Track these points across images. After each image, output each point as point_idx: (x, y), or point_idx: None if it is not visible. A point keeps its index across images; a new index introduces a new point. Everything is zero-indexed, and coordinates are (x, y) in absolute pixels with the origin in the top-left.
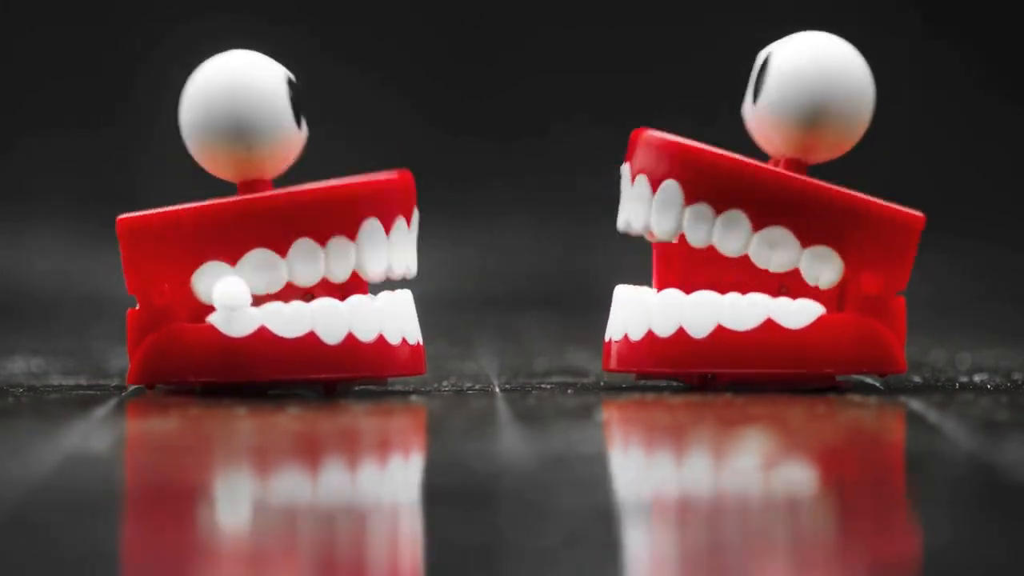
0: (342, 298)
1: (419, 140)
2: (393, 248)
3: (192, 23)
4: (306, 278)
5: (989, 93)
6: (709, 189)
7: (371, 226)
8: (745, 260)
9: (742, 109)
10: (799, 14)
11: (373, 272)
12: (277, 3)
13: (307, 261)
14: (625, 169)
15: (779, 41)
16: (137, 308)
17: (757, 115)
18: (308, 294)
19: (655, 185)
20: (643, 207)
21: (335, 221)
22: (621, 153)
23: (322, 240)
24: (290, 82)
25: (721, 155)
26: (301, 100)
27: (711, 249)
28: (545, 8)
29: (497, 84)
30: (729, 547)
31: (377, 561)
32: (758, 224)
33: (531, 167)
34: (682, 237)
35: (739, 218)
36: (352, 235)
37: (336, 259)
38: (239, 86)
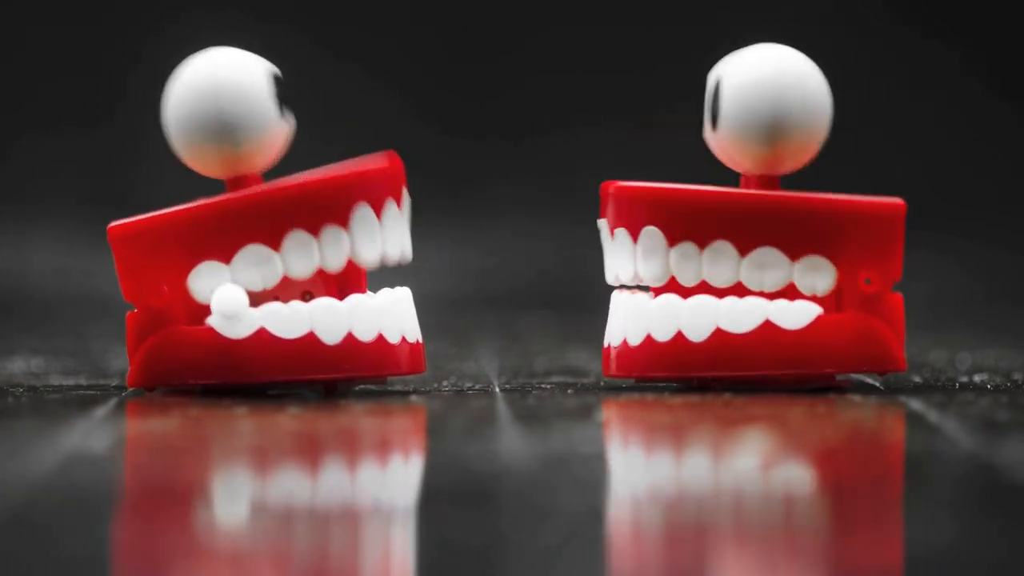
0: (341, 297)
1: (419, 141)
2: (386, 233)
3: (191, 22)
4: (301, 270)
5: (989, 93)
6: (689, 228)
7: (363, 212)
8: (739, 284)
9: (703, 135)
10: (799, 13)
11: (368, 259)
12: (275, 2)
13: (301, 253)
14: (603, 224)
15: (724, 61)
16: (136, 311)
17: (719, 139)
18: (307, 293)
19: (635, 235)
20: (627, 258)
21: (326, 210)
22: (620, 153)
23: (315, 230)
24: (273, 76)
25: (694, 191)
26: (285, 92)
27: (705, 283)
28: (545, 8)
29: (497, 84)
30: (728, 547)
31: (377, 561)
32: (744, 250)
33: (531, 167)
34: (672, 279)
35: (724, 248)
36: (344, 223)
37: (330, 248)
38: (221, 84)
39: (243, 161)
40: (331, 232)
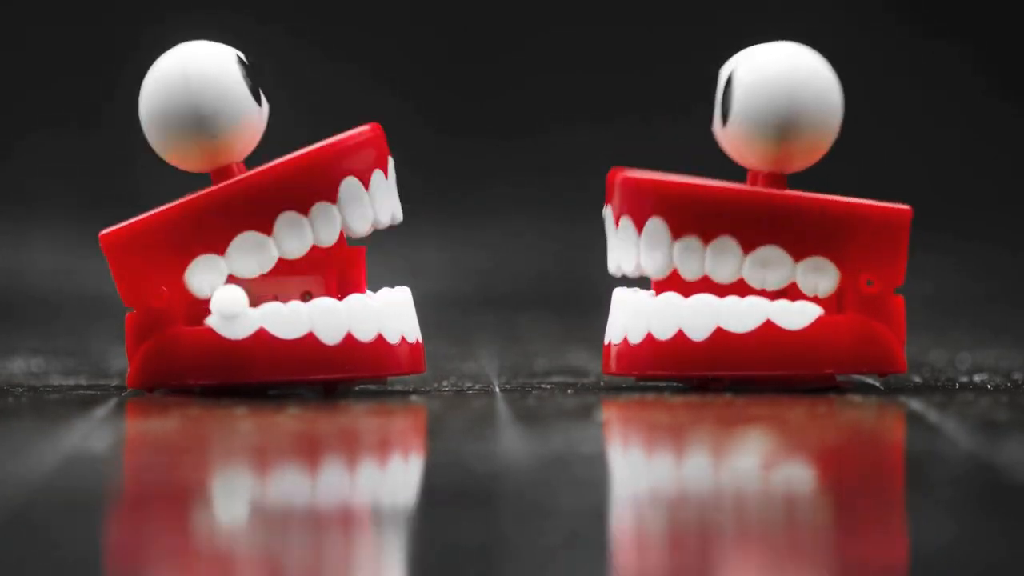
0: (340, 298)
1: (419, 140)
2: (375, 200)
3: (190, 23)
4: (295, 250)
5: (989, 93)
6: (694, 221)
7: (350, 184)
8: (741, 282)
9: (712, 129)
10: (799, 14)
11: (359, 229)
12: (275, 2)
13: (293, 233)
14: (608, 212)
15: (738, 56)
16: (135, 312)
17: (728, 134)
18: (307, 293)
19: (640, 225)
20: (631, 248)
21: (314, 188)
22: (620, 153)
23: (304, 209)
24: (240, 61)
25: (701, 186)
26: (255, 76)
27: (706, 279)
28: (545, 8)
29: (497, 84)
30: (729, 547)
31: (377, 562)
32: (748, 247)
33: (531, 167)
34: (675, 272)
35: (728, 244)
36: (332, 198)
37: (322, 224)
38: (191, 76)
39: (222, 151)
40: (321, 208)
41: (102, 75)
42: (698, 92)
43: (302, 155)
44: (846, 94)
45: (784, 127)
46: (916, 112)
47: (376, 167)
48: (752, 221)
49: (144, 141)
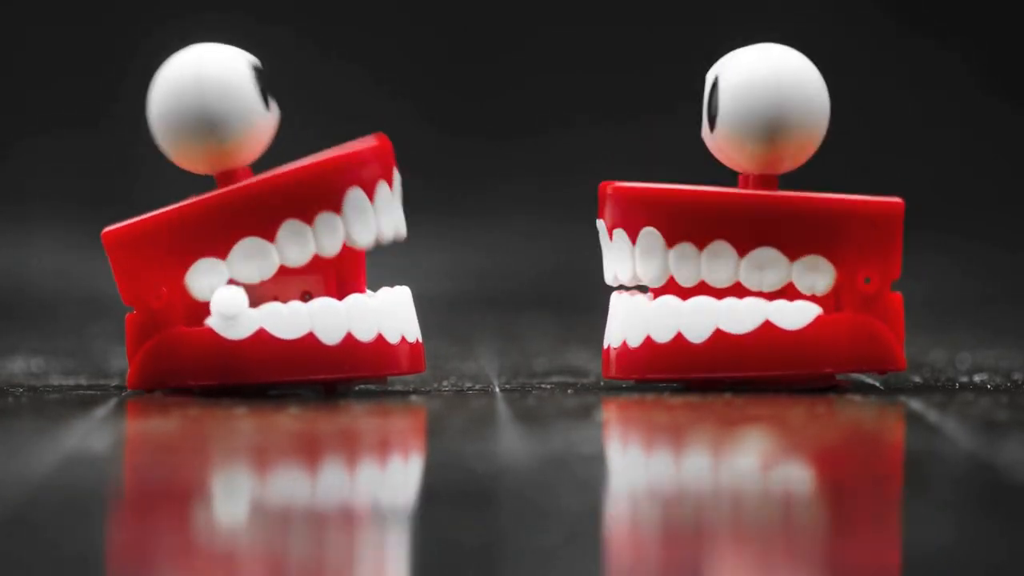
0: (340, 297)
1: (419, 140)
2: (380, 213)
3: (189, 22)
4: (297, 258)
5: (989, 93)
6: (687, 228)
7: (355, 196)
8: (738, 284)
9: (701, 135)
10: (798, 14)
11: (362, 241)
12: (275, 2)
13: (296, 241)
14: (601, 225)
15: (722, 60)
16: (135, 313)
17: (717, 139)
18: (306, 293)
19: (633, 236)
20: (626, 259)
21: (318, 197)
22: (621, 153)
23: (308, 218)
24: (254, 67)
25: (692, 192)
26: (267, 82)
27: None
28: (545, 8)
29: (497, 84)
30: (728, 547)
31: (377, 562)
32: (743, 250)
33: (531, 167)
34: (671, 279)
35: (723, 248)
36: (337, 208)
37: (325, 234)
38: (204, 80)
39: (230, 155)
40: (325, 218)
41: (102, 75)
42: (698, 92)
43: (308, 164)
44: (847, 94)
45: (771, 128)
46: (915, 112)
47: (381, 178)
48: (745, 224)
49: (145, 141)
